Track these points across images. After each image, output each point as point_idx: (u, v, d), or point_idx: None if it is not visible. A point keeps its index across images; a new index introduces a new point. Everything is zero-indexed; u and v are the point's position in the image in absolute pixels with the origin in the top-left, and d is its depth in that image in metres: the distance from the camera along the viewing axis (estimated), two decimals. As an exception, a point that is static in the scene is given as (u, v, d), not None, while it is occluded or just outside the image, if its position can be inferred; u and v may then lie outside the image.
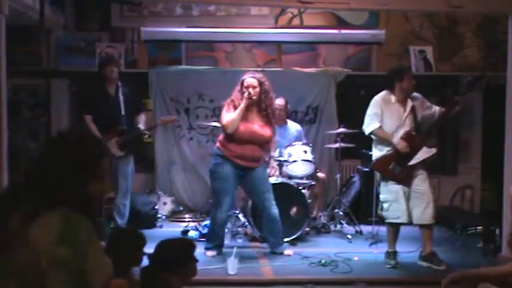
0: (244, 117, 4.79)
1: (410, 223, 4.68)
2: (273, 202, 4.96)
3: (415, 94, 4.75)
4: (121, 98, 5.27)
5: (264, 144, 4.95)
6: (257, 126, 4.82)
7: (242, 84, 4.83)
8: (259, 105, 4.84)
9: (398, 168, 4.63)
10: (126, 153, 5.34)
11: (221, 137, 4.96)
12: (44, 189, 1.67)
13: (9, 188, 1.80)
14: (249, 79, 4.81)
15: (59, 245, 1.58)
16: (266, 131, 4.86)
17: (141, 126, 5.44)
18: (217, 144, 4.95)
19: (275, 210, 4.96)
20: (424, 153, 4.63)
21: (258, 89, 4.79)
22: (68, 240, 1.60)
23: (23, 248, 1.59)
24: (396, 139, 4.60)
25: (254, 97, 4.77)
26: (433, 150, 4.72)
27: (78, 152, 1.73)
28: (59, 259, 1.58)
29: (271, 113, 4.89)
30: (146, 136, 5.66)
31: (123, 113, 5.26)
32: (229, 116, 4.78)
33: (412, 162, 4.62)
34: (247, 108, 4.79)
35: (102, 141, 1.85)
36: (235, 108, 4.79)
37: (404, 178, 4.64)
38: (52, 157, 1.72)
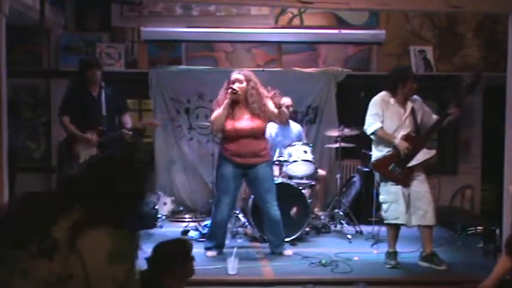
0: (232, 114, 4.78)
1: (408, 224, 4.68)
2: (275, 203, 4.94)
3: (414, 96, 4.76)
4: (103, 98, 5.28)
5: (259, 135, 4.88)
6: (245, 121, 4.80)
7: (228, 81, 4.83)
8: (247, 102, 4.80)
9: (397, 169, 4.63)
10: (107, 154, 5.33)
11: (220, 138, 5.00)
12: (100, 206, 1.69)
13: (58, 190, 1.79)
14: (235, 74, 4.82)
15: (113, 264, 1.60)
16: (256, 122, 4.81)
17: (127, 126, 5.43)
18: (219, 145, 5.02)
19: (276, 212, 4.95)
20: (423, 155, 4.64)
21: (244, 84, 4.77)
22: (121, 259, 1.63)
23: (68, 258, 1.60)
24: (397, 140, 4.60)
25: (239, 92, 4.74)
26: (433, 152, 4.73)
27: (141, 185, 1.84)
28: (116, 278, 1.60)
29: (260, 108, 4.80)
30: (129, 136, 5.56)
31: (104, 113, 5.28)
32: (215, 113, 4.81)
33: (412, 163, 4.62)
34: (235, 106, 4.79)
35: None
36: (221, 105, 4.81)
37: (404, 179, 4.64)
38: (120, 185, 1.76)
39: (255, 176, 4.89)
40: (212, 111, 4.94)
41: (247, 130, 4.79)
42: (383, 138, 4.70)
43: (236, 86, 4.75)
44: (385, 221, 4.76)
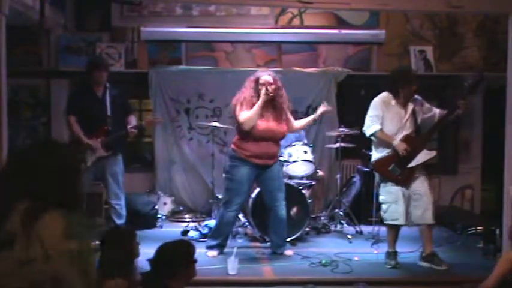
0: (260, 114, 4.78)
1: (408, 225, 4.68)
2: (283, 202, 4.96)
3: (415, 96, 4.75)
4: (108, 99, 5.29)
5: (280, 139, 4.98)
6: (273, 123, 4.84)
7: (256, 81, 4.82)
8: (274, 103, 4.84)
9: (397, 169, 4.63)
10: (112, 153, 5.34)
11: (235, 138, 4.97)
12: (40, 193, 1.78)
13: None
14: (266, 76, 4.83)
15: (67, 239, 1.71)
16: (282, 127, 4.90)
17: (130, 125, 5.45)
18: (233, 146, 4.96)
19: (283, 211, 4.96)
20: (424, 156, 4.63)
21: (274, 86, 4.81)
22: (74, 235, 1.73)
23: (27, 245, 1.68)
24: (397, 141, 4.60)
25: (272, 94, 4.77)
26: (433, 153, 4.72)
27: (68, 160, 1.91)
28: (70, 252, 1.70)
29: (285, 109, 4.94)
30: (134, 134, 5.58)
31: (109, 113, 5.28)
32: (246, 113, 4.77)
33: (412, 164, 4.62)
34: (263, 106, 4.79)
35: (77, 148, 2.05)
36: (250, 105, 4.78)
37: (404, 180, 4.64)
38: (47, 167, 1.83)
39: (269, 175, 4.91)
40: (243, 108, 4.79)
41: (273, 133, 4.83)
42: (382, 140, 4.69)
43: (269, 88, 4.76)
44: (385, 222, 4.76)
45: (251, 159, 4.82)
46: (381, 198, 4.75)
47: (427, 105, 4.80)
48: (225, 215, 4.93)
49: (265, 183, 4.99)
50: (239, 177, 4.84)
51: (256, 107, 4.74)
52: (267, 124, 4.80)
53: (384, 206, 4.73)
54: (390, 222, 4.69)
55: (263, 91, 4.74)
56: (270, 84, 4.79)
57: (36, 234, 1.69)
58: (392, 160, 4.64)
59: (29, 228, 1.69)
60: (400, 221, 4.63)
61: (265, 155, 4.84)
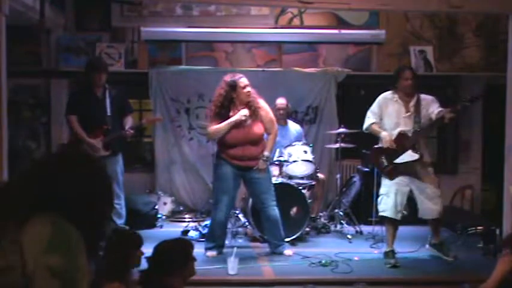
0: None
1: (396, 219, 4.77)
2: (273, 203, 4.95)
3: (423, 96, 4.82)
4: (108, 99, 5.30)
5: (258, 141, 4.90)
6: (244, 128, 4.80)
7: (231, 86, 4.78)
8: (248, 106, 4.80)
9: (385, 162, 4.79)
10: (112, 153, 5.35)
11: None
12: (42, 198, 1.61)
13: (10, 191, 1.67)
14: (244, 79, 4.80)
15: (50, 253, 1.54)
16: (257, 129, 4.84)
17: (127, 126, 5.46)
18: (217, 145, 5.00)
19: (274, 212, 4.95)
20: (407, 156, 4.74)
21: (250, 88, 4.79)
22: (59, 248, 1.56)
23: (8, 249, 1.55)
24: (383, 134, 4.75)
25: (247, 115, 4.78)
26: (416, 156, 4.75)
27: (89, 184, 1.68)
28: (51, 267, 1.53)
29: (256, 107, 4.83)
30: (131, 135, 5.58)
31: (109, 113, 5.29)
32: (214, 126, 4.78)
33: (397, 161, 4.74)
34: (234, 109, 4.78)
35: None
36: (223, 112, 4.77)
37: (388, 172, 4.79)
38: (65, 177, 1.64)
39: (252, 178, 4.90)
40: (209, 115, 4.88)
41: (246, 138, 4.80)
42: (374, 133, 4.87)
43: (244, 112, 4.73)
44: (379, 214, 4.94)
45: (231, 161, 4.83)
46: (380, 189, 4.93)
47: (436, 104, 4.79)
48: (216, 216, 4.93)
49: (250, 186, 5.00)
50: (223, 175, 4.86)
51: (226, 123, 4.73)
52: (239, 130, 4.78)
53: (379, 198, 4.90)
54: (380, 213, 4.87)
55: (241, 113, 4.71)
56: (248, 86, 4.77)
57: (18, 240, 1.54)
58: (384, 152, 4.79)
59: (10, 233, 1.54)
60: (388, 213, 4.77)
61: (245, 157, 4.82)
